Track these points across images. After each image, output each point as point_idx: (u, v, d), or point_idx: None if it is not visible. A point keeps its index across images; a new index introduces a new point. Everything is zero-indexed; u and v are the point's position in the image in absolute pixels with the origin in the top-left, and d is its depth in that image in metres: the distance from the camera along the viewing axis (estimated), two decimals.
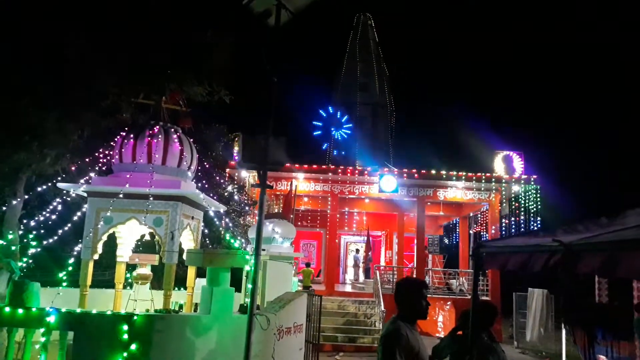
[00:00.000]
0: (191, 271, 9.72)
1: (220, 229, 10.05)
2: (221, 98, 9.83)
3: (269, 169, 5.95)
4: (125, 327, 6.05)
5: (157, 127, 9.20)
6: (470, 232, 23.79)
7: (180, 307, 10.13)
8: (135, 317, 6.18)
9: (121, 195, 8.27)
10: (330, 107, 29.51)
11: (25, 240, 9.17)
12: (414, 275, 19.78)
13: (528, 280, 17.15)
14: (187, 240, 9.67)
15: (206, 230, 10.78)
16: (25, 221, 9.30)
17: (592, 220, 4.51)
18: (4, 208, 9.45)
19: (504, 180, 19.32)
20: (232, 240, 9.26)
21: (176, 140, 9.24)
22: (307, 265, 17.85)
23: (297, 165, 18.76)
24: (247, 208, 14.98)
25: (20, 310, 6.23)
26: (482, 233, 21.83)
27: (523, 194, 19.97)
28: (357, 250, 24.67)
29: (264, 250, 9.46)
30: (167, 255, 8.55)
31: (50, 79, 8.17)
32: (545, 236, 3.38)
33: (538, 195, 19.53)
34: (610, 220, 4.17)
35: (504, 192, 20.03)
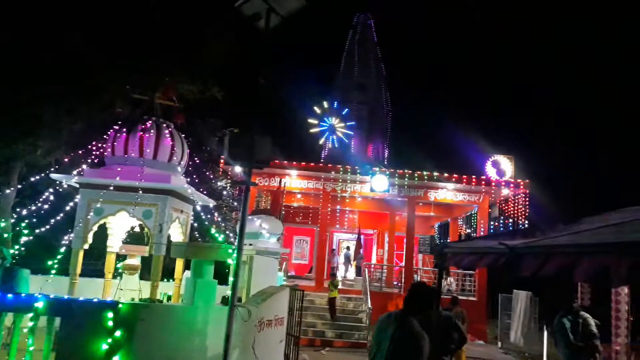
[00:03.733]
0: (179, 263, 9.96)
1: (206, 223, 10.31)
2: (213, 95, 10.07)
3: (253, 166, 6.22)
4: (110, 315, 6.25)
5: (150, 122, 9.44)
6: (460, 233, 24.11)
7: (169, 298, 10.40)
8: (120, 305, 6.39)
9: (112, 188, 8.51)
10: (325, 106, 29.72)
11: (17, 228, 9.41)
12: (403, 274, 20.10)
13: (514, 282, 17.44)
14: (177, 234, 9.91)
15: (196, 224, 11.02)
16: (18, 210, 9.54)
17: (551, 225, 4.78)
18: None
19: (493, 184, 19.58)
20: (216, 235, 9.52)
21: (168, 135, 9.48)
22: (333, 275, 17.04)
23: (289, 163, 18.98)
24: (235, 204, 15.22)
25: (10, 296, 6.45)
26: (472, 234, 22.14)
27: (513, 197, 20.26)
28: (348, 248, 24.97)
29: (250, 245, 9.72)
30: (155, 247, 8.80)
31: (48, 74, 8.39)
32: (497, 239, 3.64)
33: (527, 198, 19.82)
34: (566, 226, 4.45)
35: (493, 195, 20.32)
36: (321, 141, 30.01)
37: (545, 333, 14.06)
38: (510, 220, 20.31)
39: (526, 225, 19.68)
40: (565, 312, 7.20)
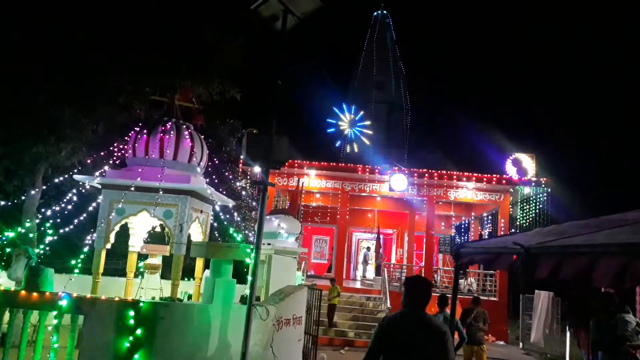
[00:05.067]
0: (199, 263, 10.08)
1: (225, 222, 10.41)
2: (232, 96, 10.15)
3: (271, 167, 6.28)
4: (132, 313, 6.38)
5: (170, 123, 9.58)
6: (482, 232, 23.86)
7: (189, 297, 10.54)
8: (141, 304, 6.51)
9: (133, 188, 8.66)
10: (344, 105, 29.71)
11: (42, 228, 9.62)
12: (423, 274, 19.98)
13: (535, 282, 17.20)
14: (197, 233, 10.04)
15: (215, 224, 11.14)
16: (42, 210, 9.76)
17: (568, 224, 4.72)
18: (23, 197, 9.92)
19: (514, 182, 19.34)
20: (235, 234, 9.61)
21: (187, 136, 9.61)
22: (332, 281, 16.01)
23: (308, 162, 19.05)
24: (254, 204, 15.32)
25: (35, 294, 6.62)
26: (492, 234, 21.89)
27: (534, 196, 19.97)
28: (368, 248, 24.92)
29: (269, 244, 9.80)
30: (175, 246, 8.93)
31: (66, 76, 8.55)
32: (512, 239, 3.62)
33: (549, 197, 19.52)
34: (583, 225, 4.39)
35: (514, 194, 20.07)
36: (339, 141, 30.01)
37: (568, 334, 13.86)
38: (531, 219, 20.03)
39: (548, 225, 19.35)
40: (602, 314, 7.11)
